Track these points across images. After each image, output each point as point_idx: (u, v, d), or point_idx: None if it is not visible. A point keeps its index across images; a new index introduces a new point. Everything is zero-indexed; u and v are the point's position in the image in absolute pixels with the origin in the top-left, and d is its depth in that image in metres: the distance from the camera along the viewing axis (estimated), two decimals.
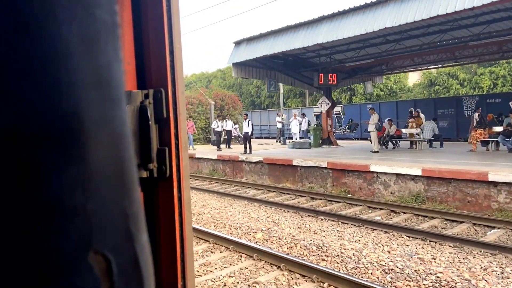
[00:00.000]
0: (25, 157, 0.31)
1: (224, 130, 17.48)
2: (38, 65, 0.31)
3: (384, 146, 14.36)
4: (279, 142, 21.53)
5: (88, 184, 0.33)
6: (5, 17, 0.31)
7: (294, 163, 11.69)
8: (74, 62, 0.32)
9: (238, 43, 14.89)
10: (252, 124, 15.23)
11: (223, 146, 17.42)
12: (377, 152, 12.84)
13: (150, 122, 0.68)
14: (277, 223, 7.66)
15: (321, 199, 9.80)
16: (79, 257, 0.33)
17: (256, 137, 23.27)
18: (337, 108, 27.03)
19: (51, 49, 0.32)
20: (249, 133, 14.82)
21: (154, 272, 0.39)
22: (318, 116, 23.99)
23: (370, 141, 13.64)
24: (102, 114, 0.34)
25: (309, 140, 16.36)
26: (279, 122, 21.88)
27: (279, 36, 13.37)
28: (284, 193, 10.83)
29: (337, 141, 17.23)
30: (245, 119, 14.61)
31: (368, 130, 13.46)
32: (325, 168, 10.88)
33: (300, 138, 21.85)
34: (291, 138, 20.32)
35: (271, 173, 12.69)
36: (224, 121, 17.64)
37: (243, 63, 15.35)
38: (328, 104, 16.21)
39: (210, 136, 22.42)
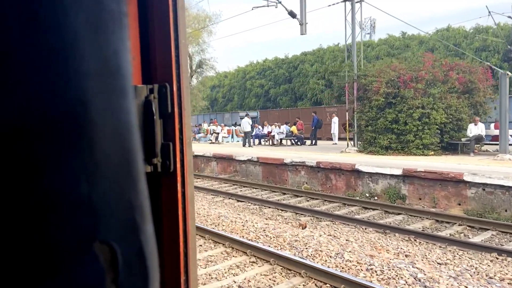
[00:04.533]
0: (31, 147, 0.31)
1: None
2: (45, 53, 0.31)
3: None
4: None
5: (94, 174, 0.33)
6: (13, 5, 0.30)
7: None
8: (81, 51, 0.32)
9: None
10: None
11: None
12: None
13: (154, 117, 0.67)
14: None
15: None
16: (85, 247, 0.33)
17: None
18: None
19: (58, 37, 0.31)
20: None
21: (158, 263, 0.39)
22: None
23: None
24: (108, 103, 0.34)
25: None
26: None
27: None
28: None
29: None
30: None
31: None
32: None
33: None
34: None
35: None
36: None
37: None
38: None
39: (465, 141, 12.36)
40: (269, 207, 9.75)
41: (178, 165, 0.69)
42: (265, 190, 12.10)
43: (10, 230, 0.31)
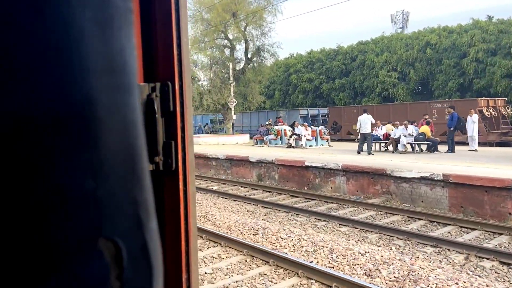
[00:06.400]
0: (37, 143, 0.31)
1: None
2: (51, 49, 0.31)
3: None
4: None
5: (99, 170, 0.33)
6: (20, 2, 0.30)
7: None
8: (87, 47, 0.32)
9: None
10: None
11: None
12: None
13: (156, 115, 0.67)
14: None
15: None
16: (90, 243, 0.33)
17: None
18: None
19: (64, 33, 0.31)
20: None
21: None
22: None
23: None
24: (114, 100, 0.34)
25: None
26: None
27: None
28: None
29: None
30: None
31: None
32: None
33: None
34: None
35: None
36: None
37: None
38: None
39: None
40: None
41: (180, 164, 0.69)
42: None
43: (15, 226, 0.31)
